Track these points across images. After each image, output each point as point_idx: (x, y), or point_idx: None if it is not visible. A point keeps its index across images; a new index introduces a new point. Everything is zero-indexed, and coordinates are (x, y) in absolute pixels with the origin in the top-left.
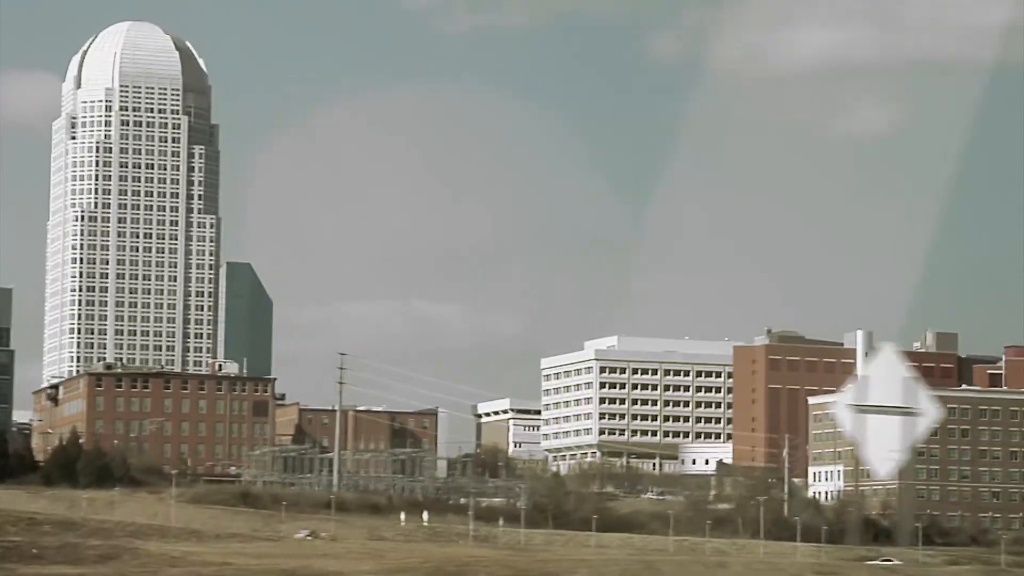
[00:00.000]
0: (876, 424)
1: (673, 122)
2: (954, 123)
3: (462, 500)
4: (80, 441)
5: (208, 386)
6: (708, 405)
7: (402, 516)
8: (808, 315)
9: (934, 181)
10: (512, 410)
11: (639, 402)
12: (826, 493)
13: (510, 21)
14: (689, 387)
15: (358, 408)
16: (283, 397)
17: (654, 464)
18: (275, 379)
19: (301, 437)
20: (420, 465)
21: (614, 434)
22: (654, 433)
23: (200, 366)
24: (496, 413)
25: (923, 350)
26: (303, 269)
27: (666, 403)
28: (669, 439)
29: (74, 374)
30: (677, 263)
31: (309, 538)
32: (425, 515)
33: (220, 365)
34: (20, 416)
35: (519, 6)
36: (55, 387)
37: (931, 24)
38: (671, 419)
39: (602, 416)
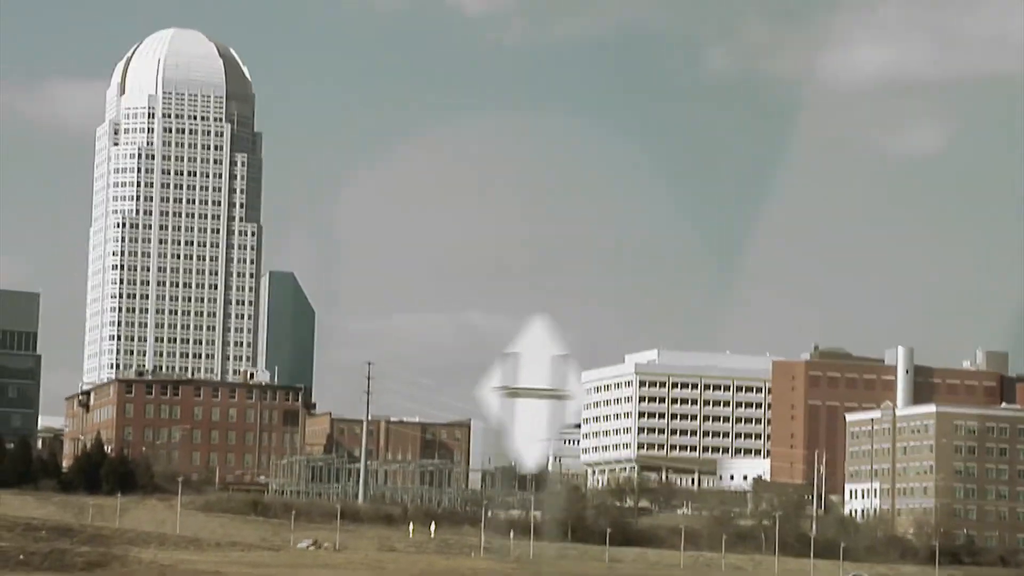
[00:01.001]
0: (524, 408)
1: (728, 138)
2: (1013, 139)
3: (489, 513)
4: (110, 448)
5: (239, 394)
6: (748, 421)
7: (411, 527)
8: (856, 333)
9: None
10: None
11: (678, 416)
12: (861, 511)
13: (565, 33)
14: (729, 402)
15: (391, 419)
16: (314, 406)
17: (693, 479)
18: (304, 388)
19: (332, 447)
20: (448, 476)
21: (653, 448)
22: (693, 448)
23: (251, 376)
24: None
25: (972, 368)
26: (348, 279)
27: (706, 418)
28: (708, 454)
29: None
30: (728, 277)
31: (312, 548)
32: (432, 526)
33: (252, 373)
34: (54, 422)
35: (575, 18)
36: (87, 393)
37: (990, 40)
38: (710, 434)
39: (641, 430)
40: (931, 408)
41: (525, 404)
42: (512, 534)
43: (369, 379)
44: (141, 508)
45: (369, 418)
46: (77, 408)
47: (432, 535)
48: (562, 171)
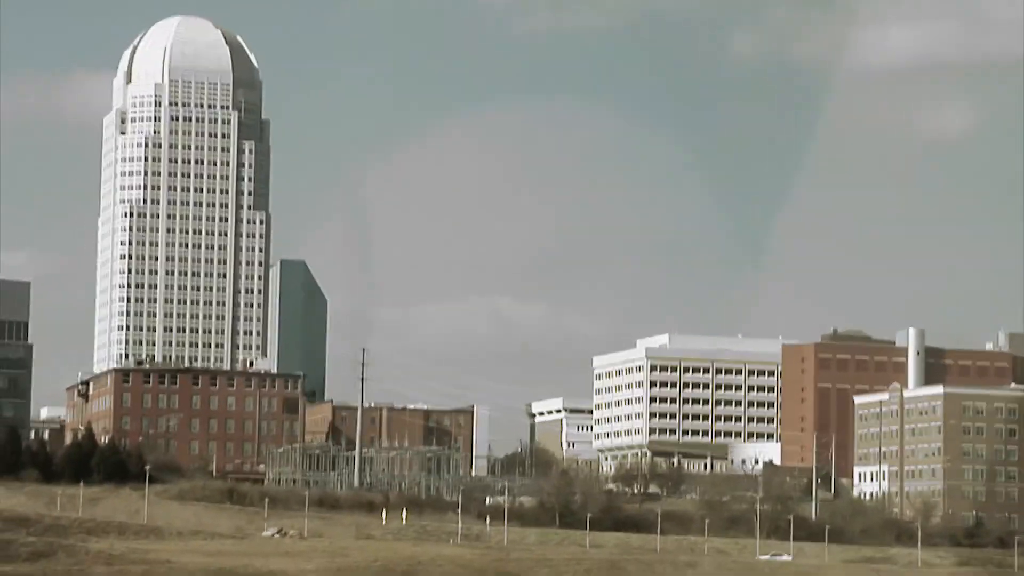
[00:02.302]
0: None
1: (756, 122)
2: None
3: (488, 500)
4: (107, 437)
5: (238, 383)
6: (760, 405)
7: (383, 514)
8: (877, 316)
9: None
10: (565, 409)
11: (690, 401)
12: (870, 494)
13: (590, 21)
14: (741, 386)
15: (393, 406)
16: (314, 395)
17: (705, 464)
18: (304, 376)
19: (335, 435)
20: (448, 463)
21: (665, 433)
22: (706, 433)
23: (251, 365)
24: (549, 412)
25: (995, 350)
26: (366, 267)
27: (717, 402)
28: (721, 439)
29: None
30: (753, 261)
31: (277, 536)
32: (404, 513)
33: (251, 361)
34: (56, 412)
35: (599, 6)
36: (86, 383)
37: (1019, 22)
38: (722, 418)
39: (652, 415)
40: (939, 389)
41: None
42: (488, 520)
43: (364, 365)
44: (115, 497)
45: (372, 405)
46: (77, 399)
47: (404, 521)
48: (587, 159)
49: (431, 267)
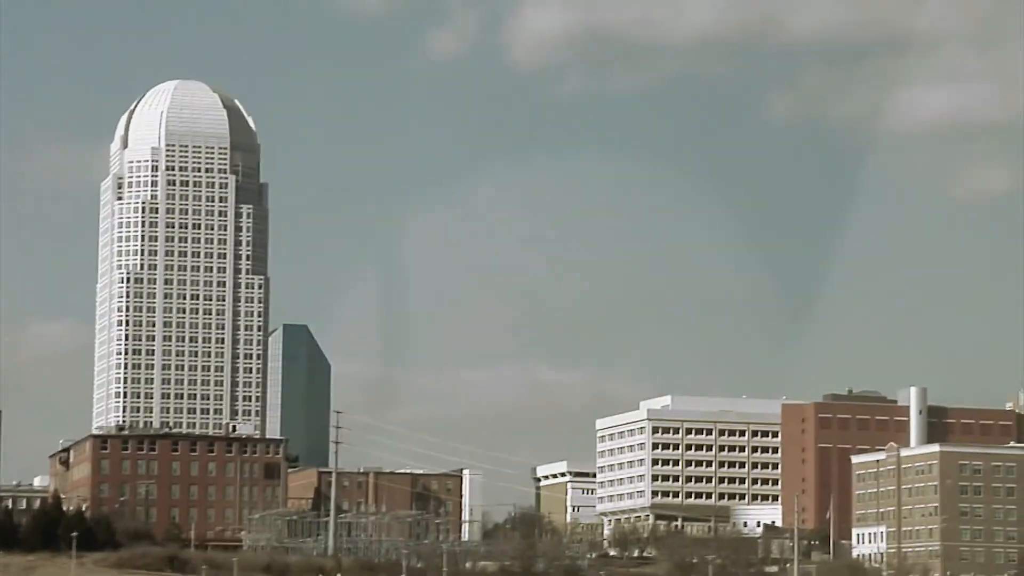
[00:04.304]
0: None
1: (789, 184)
2: None
3: (468, 564)
4: (85, 506)
5: (218, 448)
6: (765, 466)
7: None
8: (895, 377)
9: None
10: (569, 472)
11: (693, 463)
12: (870, 555)
13: (621, 86)
14: (745, 447)
15: (382, 470)
16: (296, 459)
17: (708, 527)
18: (287, 440)
19: (320, 501)
20: (427, 527)
21: (667, 496)
22: (709, 495)
23: (233, 429)
24: (554, 476)
25: (1016, 410)
26: (364, 331)
27: (721, 464)
28: (724, 501)
29: None
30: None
31: None
32: None
33: (233, 427)
34: (41, 481)
35: (630, 70)
36: (67, 450)
37: None
38: (726, 480)
39: (655, 478)
40: (935, 448)
41: None
42: None
43: (338, 428)
44: (50, 565)
45: (360, 469)
46: (59, 466)
47: None
48: (617, 221)
49: (442, 331)
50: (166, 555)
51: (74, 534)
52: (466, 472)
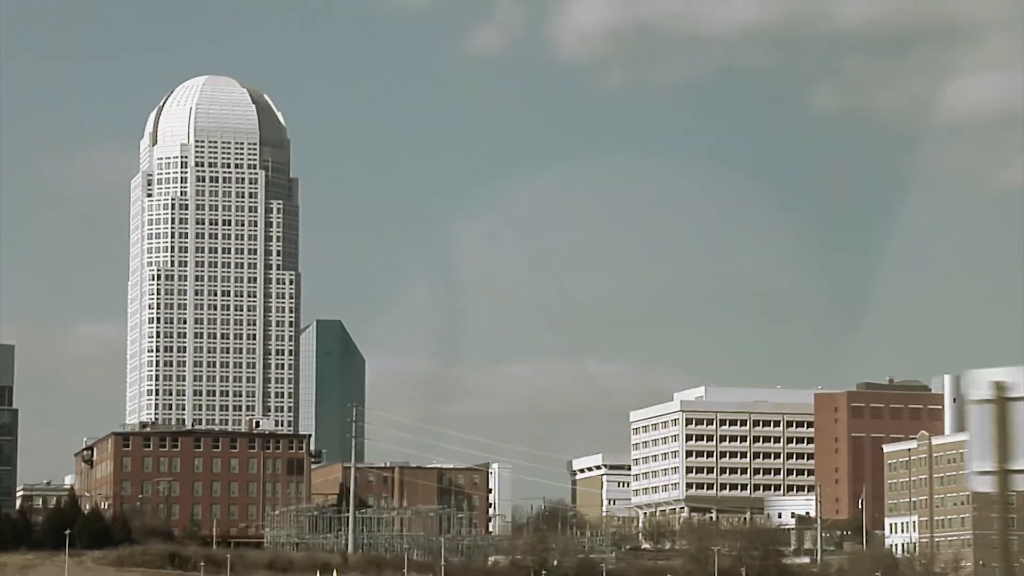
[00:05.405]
0: None
1: (836, 175)
2: None
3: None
4: (107, 504)
5: (240, 444)
6: (799, 456)
7: (317, 574)
8: (940, 365)
9: None
10: (605, 465)
11: (727, 454)
12: (902, 545)
13: (666, 79)
14: (779, 438)
15: (408, 465)
16: (320, 455)
17: (743, 519)
18: (310, 436)
19: (344, 496)
20: (450, 522)
21: (702, 488)
22: (744, 486)
23: (281, 425)
24: (590, 469)
25: None
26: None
27: (755, 455)
28: (759, 492)
29: None
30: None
31: None
32: (334, 572)
33: (257, 422)
34: (71, 480)
35: (674, 63)
36: (90, 449)
37: None
38: (760, 471)
39: (689, 470)
40: (966, 436)
41: None
42: None
43: (354, 422)
44: (49, 564)
45: (387, 464)
46: (83, 465)
47: None
48: (660, 215)
49: (489, 327)
50: (167, 552)
51: (68, 531)
52: (495, 466)
